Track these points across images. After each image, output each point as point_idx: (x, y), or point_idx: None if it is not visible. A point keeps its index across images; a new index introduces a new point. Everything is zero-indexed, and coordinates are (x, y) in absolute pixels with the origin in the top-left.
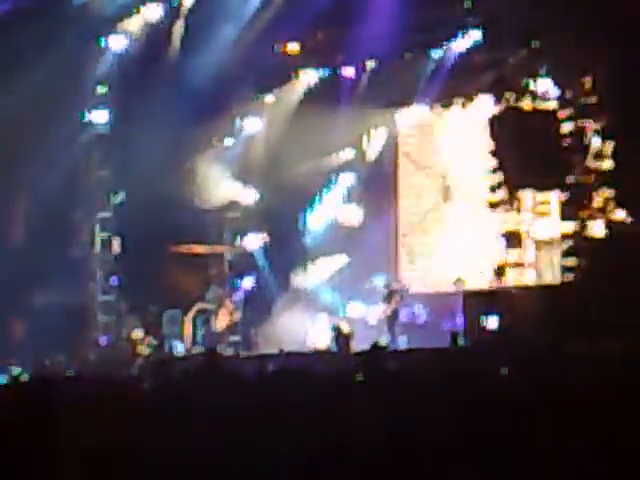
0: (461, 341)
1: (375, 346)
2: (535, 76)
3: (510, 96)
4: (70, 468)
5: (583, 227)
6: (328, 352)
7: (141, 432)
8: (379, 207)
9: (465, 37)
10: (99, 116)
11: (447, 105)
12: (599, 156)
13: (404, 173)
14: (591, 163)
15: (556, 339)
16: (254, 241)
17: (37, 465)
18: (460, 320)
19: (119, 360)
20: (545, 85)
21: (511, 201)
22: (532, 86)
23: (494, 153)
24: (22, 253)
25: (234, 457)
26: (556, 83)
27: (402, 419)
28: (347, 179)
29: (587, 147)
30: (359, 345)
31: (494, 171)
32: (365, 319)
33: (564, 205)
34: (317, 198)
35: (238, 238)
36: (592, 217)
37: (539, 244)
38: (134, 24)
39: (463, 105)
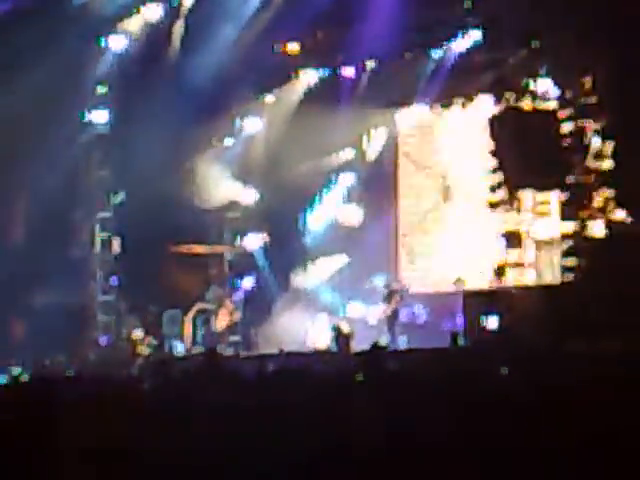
0: (461, 341)
1: (375, 346)
2: (535, 76)
3: (510, 96)
4: (70, 468)
5: (583, 227)
6: (328, 352)
7: (141, 432)
8: (379, 207)
9: (465, 37)
10: (99, 116)
11: (447, 105)
12: (599, 156)
13: (404, 173)
14: (591, 163)
15: (556, 339)
16: (254, 241)
17: (37, 465)
18: (460, 320)
19: (119, 360)
20: (545, 85)
21: (511, 201)
22: (532, 86)
23: (494, 153)
24: (22, 253)
25: (234, 457)
26: (556, 83)
27: (402, 419)
28: (347, 179)
29: (587, 147)
30: (359, 345)
31: (494, 171)
32: (365, 319)
33: (564, 205)
34: (317, 198)
35: (238, 238)
36: (592, 217)
37: (539, 244)
38: (134, 24)
39: (463, 105)
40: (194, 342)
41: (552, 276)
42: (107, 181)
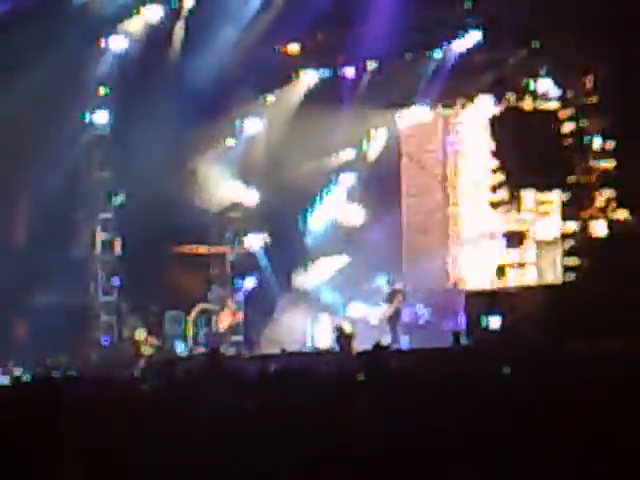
0: (463, 341)
1: (377, 346)
2: (535, 76)
3: (511, 96)
4: (71, 468)
5: (584, 227)
6: (330, 352)
7: (143, 432)
8: (380, 207)
9: (465, 37)
10: (100, 117)
11: (448, 105)
12: (600, 156)
13: (405, 173)
14: (592, 163)
15: (558, 339)
16: (255, 241)
17: (38, 465)
18: (462, 320)
19: (121, 360)
20: (545, 85)
21: (512, 201)
22: (532, 86)
23: (495, 153)
24: (24, 254)
25: (236, 457)
26: (556, 83)
27: (404, 419)
28: (348, 179)
29: (588, 147)
30: (361, 345)
31: (495, 171)
32: (367, 319)
33: (565, 205)
34: (318, 198)
35: (240, 238)
36: (593, 217)
37: (540, 244)
38: (134, 25)
39: (464, 105)
40: (196, 342)
41: (553, 276)
42: (108, 182)
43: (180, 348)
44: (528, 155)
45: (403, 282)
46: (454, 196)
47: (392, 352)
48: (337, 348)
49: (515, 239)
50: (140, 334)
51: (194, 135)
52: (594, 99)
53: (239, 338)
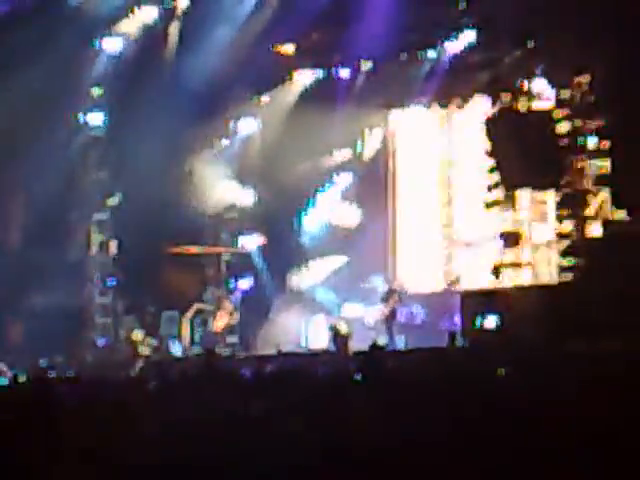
0: (459, 341)
1: (373, 346)
2: (531, 76)
3: (506, 96)
4: (67, 469)
5: (580, 227)
6: (326, 352)
7: (139, 433)
8: (376, 207)
9: (460, 37)
10: (95, 118)
11: (443, 105)
12: (595, 156)
13: (400, 173)
14: (587, 163)
15: (553, 339)
16: (251, 242)
17: (33, 466)
18: (458, 320)
19: (117, 361)
20: (541, 85)
21: (508, 201)
22: (528, 86)
23: (490, 153)
24: (19, 255)
25: (232, 458)
26: (552, 83)
27: (400, 419)
28: (344, 179)
29: (583, 147)
30: (357, 345)
31: (491, 171)
32: (363, 319)
33: (561, 205)
34: (314, 198)
35: (235, 239)
36: (589, 217)
37: (536, 244)
38: (130, 26)
39: (459, 105)
40: (192, 343)
41: (549, 276)
42: (103, 183)
43: (175, 349)
44: (523, 155)
45: (399, 282)
46: (449, 196)
47: (388, 352)
48: (333, 348)
49: (511, 239)
50: (137, 335)
51: (189, 135)
52: (589, 99)
53: (235, 339)
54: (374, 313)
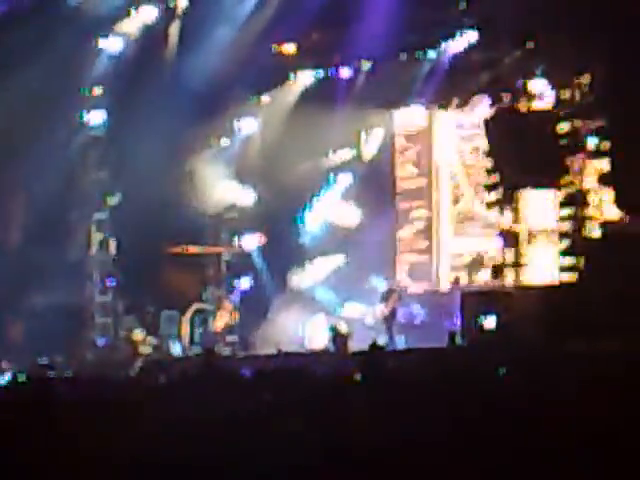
0: (459, 341)
1: (373, 346)
2: (531, 76)
3: (506, 96)
4: (68, 470)
5: (580, 227)
6: (326, 352)
7: (138, 433)
8: (377, 207)
9: (460, 38)
10: (95, 117)
11: (443, 105)
12: (595, 156)
13: (401, 173)
14: (587, 163)
15: (553, 339)
16: (251, 241)
17: (35, 466)
18: (458, 320)
19: (117, 361)
20: (541, 85)
21: (508, 201)
22: (528, 86)
23: (490, 153)
24: (19, 254)
25: (232, 458)
26: (552, 83)
27: (400, 419)
28: (344, 179)
29: (583, 147)
30: (357, 345)
31: (491, 171)
32: (363, 319)
33: (561, 205)
34: (314, 198)
35: (235, 238)
36: (589, 217)
37: (536, 244)
38: (130, 25)
39: (459, 105)
40: (192, 342)
41: (549, 276)
42: (103, 182)
43: (175, 348)
44: (523, 155)
45: (399, 282)
46: (449, 196)
47: (388, 352)
48: (333, 348)
49: (511, 239)
50: (138, 334)
51: (189, 135)
52: (589, 99)
53: (235, 338)
54: (374, 313)
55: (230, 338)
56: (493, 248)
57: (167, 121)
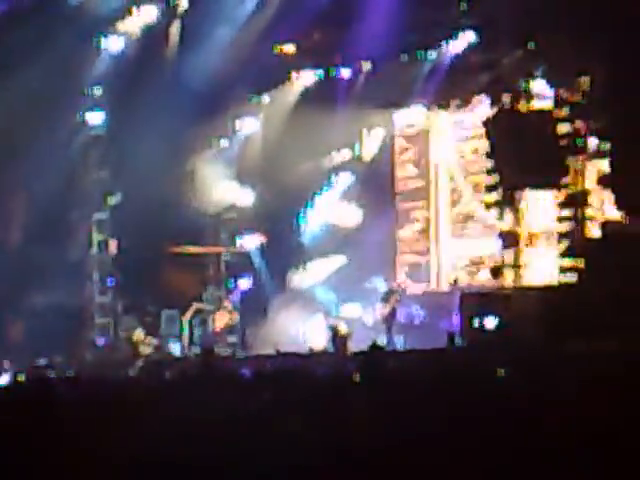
0: (458, 341)
1: (373, 346)
2: (531, 77)
3: (506, 97)
4: (68, 470)
5: (580, 227)
6: (325, 353)
7: (138, 433)
8: (377, 207)
9: (460, 38)
10: (95, 117)
11: (443, 106)
12: (595, 156)
13: (401, 173)
14: (587, 163)
15: (553, 339)
16: (251, 242)
17: (35, 466)
18: (457, 320)
19: (117, 361)
20: (541, 86)
21: (507, 201)
22: (528, 87)
23: (490, 154)
24: (19, 254)
25: (232, 458)
26: (552, 84)
27: (400, 419)
28: (344, 179)
29: (583, 147)
30: (356, 346)
31: (490, 171)
32: (362, 319)
33: (561, 205)
34: (314, 198)
35: (235, 239)
36: (589, 217)
37: (536, 244)
38: (130, 25)
39: (459, 106)
40: (191, 342)
41: (548, 277)
42: (104, 182)
43: (175, 348)
44: (523, 155)
45: (399, 282)
46: (449, 196)
47: (388, 353)
48: (332, 349)
49: (510, 239)
50: (138, 334)
51: (190, 135)
52: (589, 100)
53: (234, 339)
54: (374, 313)
55: (230, 338)
56: (493, 249)
57: (167, 121)
